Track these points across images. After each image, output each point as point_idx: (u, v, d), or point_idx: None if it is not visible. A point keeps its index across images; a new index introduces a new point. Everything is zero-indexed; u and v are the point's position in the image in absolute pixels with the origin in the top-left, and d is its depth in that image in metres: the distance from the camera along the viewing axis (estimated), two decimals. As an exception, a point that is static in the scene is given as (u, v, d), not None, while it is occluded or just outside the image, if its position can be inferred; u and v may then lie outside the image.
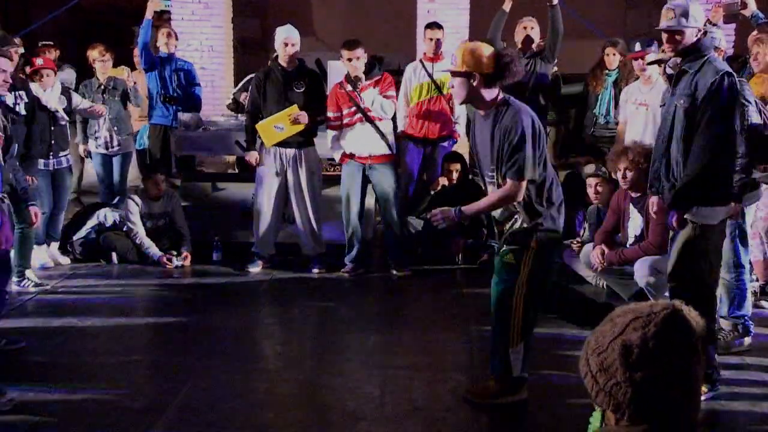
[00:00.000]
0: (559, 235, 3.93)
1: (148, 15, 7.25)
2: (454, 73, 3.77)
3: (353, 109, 6.13)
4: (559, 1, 6.41)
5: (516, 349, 3.79)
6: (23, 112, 5.81)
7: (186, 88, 7.55)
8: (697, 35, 3.91)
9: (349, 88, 6.14)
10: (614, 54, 6.93)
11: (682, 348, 1.43)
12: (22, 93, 5.87)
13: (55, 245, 6.52)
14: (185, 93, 7.52)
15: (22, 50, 6.51)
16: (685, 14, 3.88)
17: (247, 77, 8.22)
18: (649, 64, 5.92)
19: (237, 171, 8.03)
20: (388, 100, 6.11)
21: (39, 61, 6.46)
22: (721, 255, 4.20)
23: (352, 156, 6.22)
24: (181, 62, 7.70)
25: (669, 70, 4.29)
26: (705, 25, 4.31)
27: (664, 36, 4.01)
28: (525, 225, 3.80)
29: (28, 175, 5.47)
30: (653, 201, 4.24)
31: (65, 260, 6.55)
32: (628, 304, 1.56)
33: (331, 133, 6.30)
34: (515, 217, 3.86)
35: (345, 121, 6.17)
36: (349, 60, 6.08)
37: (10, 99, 5.65)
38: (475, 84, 3.70)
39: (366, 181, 6.27)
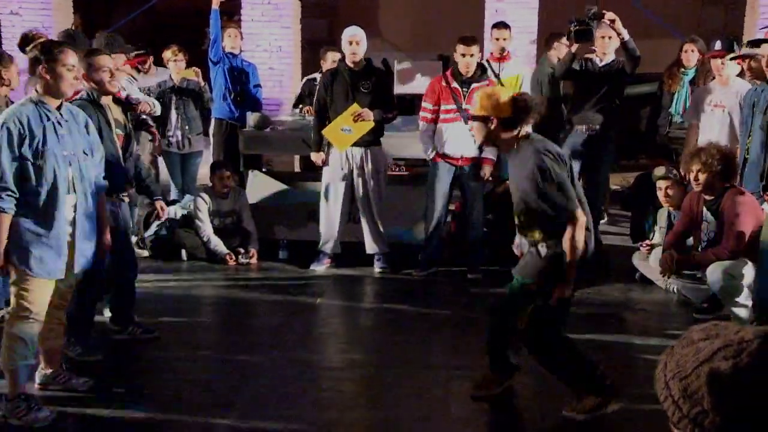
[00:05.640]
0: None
1: (215, 5, 7.36)
2: (473, 117, 3.90)
3: (453, 107, 6.04)
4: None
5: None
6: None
7: (249, 89, 7.68)
8: None
9: (454, 84, 6.06)
10: (693, 51, 6.74)
11: None
12: None
13: (132, 240, 6.65)
14: (248, 93, 7.66)
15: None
16: None
17: (304, 79, 8.32)
18: (732, 58, 5.76)
19: (301, 170, 8.09)
20: None
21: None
22: None
23: (444, 156, 6.14)
24: (245, 63, 7.84)
25: None
26: None
27: None
28: (545, 250, 3.73)
29: None
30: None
31: (144, 252, 6.69)
32: (705, 323, 1.50)
33: (423, 125, 6.16)
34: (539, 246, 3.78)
35: (441, 116, 6.09)
36: (463, 56, 6.00)
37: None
38: (492, 128, 3.75)
39: (454, 182, 6.19)
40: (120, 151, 4.54)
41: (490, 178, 6.36)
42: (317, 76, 7.85)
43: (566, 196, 3.61)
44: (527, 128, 3.77)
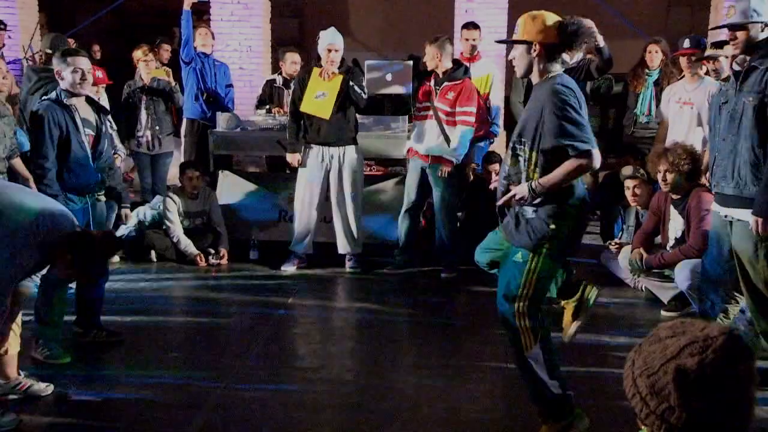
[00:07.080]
0: (581, 209, 3.41)
1: (186, 6, 7.30)
2: (515, 42, 3.43)
3: (427, 104, 6.11)
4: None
5: (531, 353, 3.39)
6: None
7: (220, 89, 7.64)
8: (763, 30, 3.81)
9: (431, 83, 6.11)
10: (657, 51, 6.82)
11: (740, 374, 1.40)
12: None
13: None
14: (220, 94, 7.62)
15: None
16: (749, 9, 3.79)
17: (264, 81, 8.28)
18: (698, 59, 5.82)
19: (266, 170, 8.06)
20: (467, 128, 5.99)
21: None
22: None
23: (416, 152, 6.21)
24: (217, 63, 7.80)
25: (736, 67, 4.03)
26: None
27: (729, 33, 3.93)
28: (532, 209, 3.33)
29: None
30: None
31: (115, 258, 6.62)
32: (672, 320, 1.52)
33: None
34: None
35: (420, 114, 6.18)
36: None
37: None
38: (534, 54, 3.36)
39: (425, 179, 6.22)
40: (89, 152, 4.57)
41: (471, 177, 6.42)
42: (277, 77, 7.84)
43: (584, 132, 3.22)
44: (560, 68, 3.38)
